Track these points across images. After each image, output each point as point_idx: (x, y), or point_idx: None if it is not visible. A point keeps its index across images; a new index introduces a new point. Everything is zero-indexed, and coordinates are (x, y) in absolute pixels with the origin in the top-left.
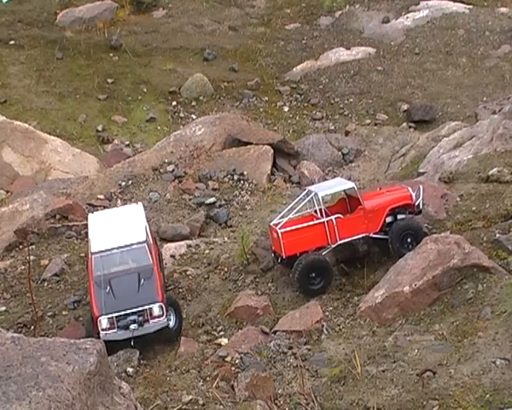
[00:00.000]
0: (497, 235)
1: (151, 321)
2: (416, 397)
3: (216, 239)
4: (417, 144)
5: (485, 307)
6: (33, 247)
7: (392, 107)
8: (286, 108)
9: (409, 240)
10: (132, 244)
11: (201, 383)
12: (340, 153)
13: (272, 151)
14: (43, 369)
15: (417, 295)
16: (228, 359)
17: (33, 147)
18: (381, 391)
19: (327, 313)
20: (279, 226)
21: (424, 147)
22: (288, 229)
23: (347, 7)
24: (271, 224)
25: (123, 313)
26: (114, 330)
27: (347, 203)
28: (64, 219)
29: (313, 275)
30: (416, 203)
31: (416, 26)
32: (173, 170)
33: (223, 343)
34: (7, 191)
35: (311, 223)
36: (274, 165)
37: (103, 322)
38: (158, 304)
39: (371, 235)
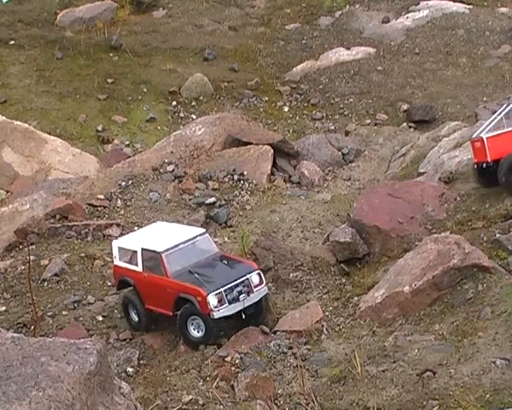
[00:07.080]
0: (497, 235)
1: (254, 290)
2: (415, 397)
3: (216, 239)
4: (417, 144)
5: (485, 307)
6: (33, 247)
7: (392, 107)
8: (286, 108)
9: None
10: (196, 236)
11: (201, 383)
12: (340, 153)
13: (272, 151)
14: (43, 369)
15: (417, 295)
16: (228, 359)
17: (33, 147)
18: (381, 391)
19: (327, 313)
20: (484, 134)
21: (424, 147)
22: (493, 134)
23: (347, 7)
24: (473, 137)
25: (230, 285)
26: (225, 305)
27: None
28: (64, 219)
29: None
30: None
31: (416, 26)
32: (173, 170)
33: (223, 343)
34: (7, 191)
35: None
36: (274, 165)
37: (212, 300)
38: (256, 272)
39: None
